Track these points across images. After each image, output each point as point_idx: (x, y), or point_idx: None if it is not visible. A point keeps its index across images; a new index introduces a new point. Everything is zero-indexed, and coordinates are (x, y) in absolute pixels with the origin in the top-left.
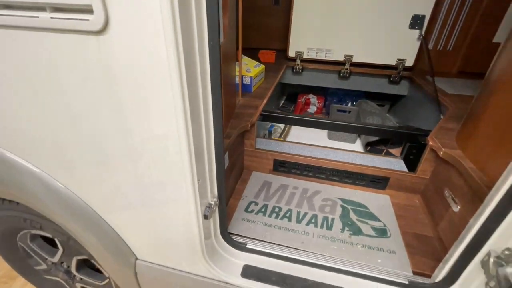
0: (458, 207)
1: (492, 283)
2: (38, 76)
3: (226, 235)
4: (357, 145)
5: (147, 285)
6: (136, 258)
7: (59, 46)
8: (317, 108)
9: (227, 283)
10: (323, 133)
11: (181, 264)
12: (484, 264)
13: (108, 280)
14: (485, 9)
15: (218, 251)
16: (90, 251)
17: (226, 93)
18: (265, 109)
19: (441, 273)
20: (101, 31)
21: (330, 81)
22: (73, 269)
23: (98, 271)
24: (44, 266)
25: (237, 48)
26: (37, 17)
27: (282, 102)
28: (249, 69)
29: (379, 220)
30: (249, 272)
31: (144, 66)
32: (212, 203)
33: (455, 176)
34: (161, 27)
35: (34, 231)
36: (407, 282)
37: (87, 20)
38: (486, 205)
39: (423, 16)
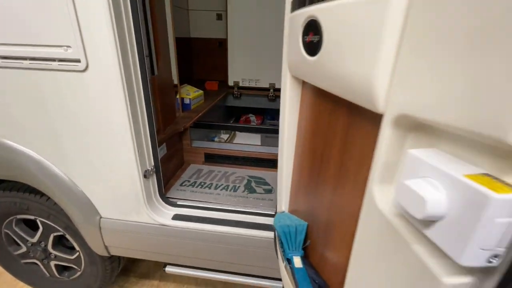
0: None
1: None
2: (46, 95)
3: (164, 197)
4: None
5: (108, 236)
6: (101, 217)
7: (60, 79)
8: (256, 124)
9: (163, 224)
10: (258, 141)
11: (132, 216)
12: None
13: (78, 253)
14: None
15: (157, 206)
16: (69, 215)
17: (165, 108)
18: (200, 120)
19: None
20: (83, 71)
21: (263, 103)
22: (49, 247)
23: (70, 248)
24: (23, 249)
25: (175, 79)
26: (51, 64)
27: (232, 122)
28: (189, 93)
29: (269, 185)
30: (177, 217)
31: (106, 87)
32: (149, 168)
33: None
34: (114, 68)
35: (19, 216)
36: (273, 213)
37: (77, 65)
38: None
39: None
